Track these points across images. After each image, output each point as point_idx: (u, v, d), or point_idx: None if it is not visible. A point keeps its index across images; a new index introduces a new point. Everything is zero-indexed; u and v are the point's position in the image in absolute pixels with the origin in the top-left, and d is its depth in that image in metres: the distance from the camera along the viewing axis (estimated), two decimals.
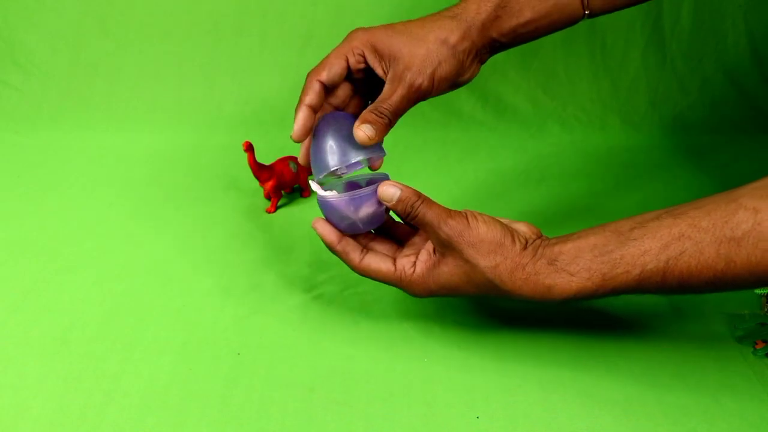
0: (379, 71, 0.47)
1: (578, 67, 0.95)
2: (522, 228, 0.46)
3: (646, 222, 0.41)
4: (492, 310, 0.56)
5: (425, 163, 0.83)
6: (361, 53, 0.47)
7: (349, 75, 0.48)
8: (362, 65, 0.47)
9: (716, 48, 0.95)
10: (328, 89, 0.48)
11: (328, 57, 0.47)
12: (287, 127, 0.87)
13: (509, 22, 0.49)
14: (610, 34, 0.94)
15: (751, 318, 0.55)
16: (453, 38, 0.46)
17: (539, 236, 0.46)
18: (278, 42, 0.92)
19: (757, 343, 0.52)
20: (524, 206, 0.72)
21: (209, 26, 0.92)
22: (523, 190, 0.76)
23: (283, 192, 0.71)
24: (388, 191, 0.45)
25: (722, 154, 0.83)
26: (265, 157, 0.70)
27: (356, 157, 0.46)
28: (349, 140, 0.46)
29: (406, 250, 0.48)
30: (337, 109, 0.50)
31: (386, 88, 0.46)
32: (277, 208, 0.70)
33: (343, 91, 0.50)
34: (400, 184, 0.45)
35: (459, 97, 0.93)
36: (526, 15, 0.49)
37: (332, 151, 0.45)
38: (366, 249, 0.48)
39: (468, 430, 0.45)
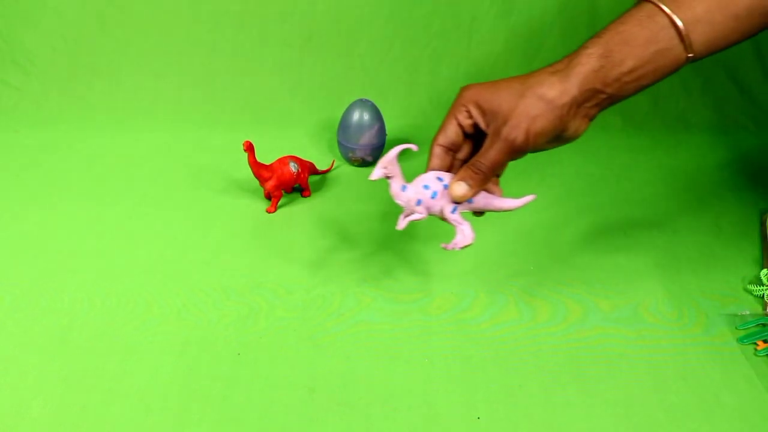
0: (482, 126, 0.48)
1: None
2: None
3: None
4: (493, 310, 0.56)
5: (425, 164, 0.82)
6: (468, 110, 0.49)
7: (467, 132, 0.50)
8: (470, 121, 0.49)
9: None
10: (453, 149, 0.51)
11: (444, 121, 0.50)
12: (287, 127, 0.88)
13: (612, 72, 0.48)
14: None
15: (753, 319, 0.54)
16: (551, 93, 0.46)
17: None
18: (278, 42, 0.92)
19: (758, 344, 0.52)
20: (525, 206, 0.72)
21: (209, 26, 0.91)
22: (523, 190, 0.76)
23: (283, 192, 0.71)
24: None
25: (724, 153, 0.83)
26: (265, 157, 0.70)
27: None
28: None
29: None
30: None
31: (486, 142, 0.48)
32: (277, 208, 0.70)
33: (467, 148, 0.52)
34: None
35: None
36: (629, 64, 0.48)
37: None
38: None
39: (469, 431, 0.45)
